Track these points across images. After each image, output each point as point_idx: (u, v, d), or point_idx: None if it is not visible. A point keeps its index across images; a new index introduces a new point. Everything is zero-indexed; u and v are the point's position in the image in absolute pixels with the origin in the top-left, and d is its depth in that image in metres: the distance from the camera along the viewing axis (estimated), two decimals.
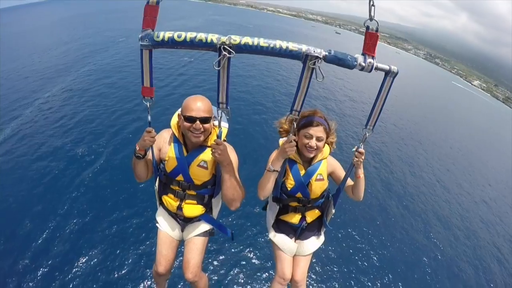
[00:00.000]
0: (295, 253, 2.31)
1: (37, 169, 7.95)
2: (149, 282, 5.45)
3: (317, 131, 1.95)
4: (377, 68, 1.50)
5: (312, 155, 2.04)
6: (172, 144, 2.07)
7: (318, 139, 1.97)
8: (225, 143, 1.92)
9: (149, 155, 2.06)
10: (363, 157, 1.85)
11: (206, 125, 1.91)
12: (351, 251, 7.27)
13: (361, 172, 1.94)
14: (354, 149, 1.87)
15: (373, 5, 1.39)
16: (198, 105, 1.88)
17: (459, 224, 10.18)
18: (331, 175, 2.20)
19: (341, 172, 2.17)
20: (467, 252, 8.79)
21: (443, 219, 10.24)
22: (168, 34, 1.44)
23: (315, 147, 1.97)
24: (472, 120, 39.25)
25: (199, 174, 2.06)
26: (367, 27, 1.44)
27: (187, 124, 1.88)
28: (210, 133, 2.05)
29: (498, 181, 17.01)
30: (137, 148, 1.94)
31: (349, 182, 2.11)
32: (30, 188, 7.23)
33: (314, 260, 6.38)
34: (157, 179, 2.20)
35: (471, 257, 8.63)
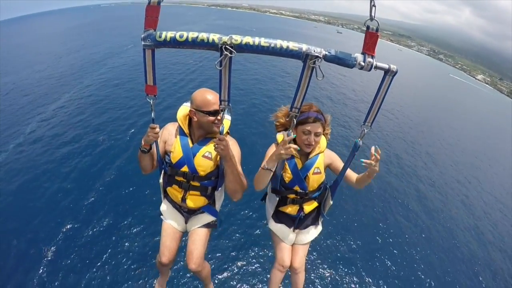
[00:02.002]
0: (294, 241, 2.40)
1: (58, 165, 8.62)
2: (153, 271, 5.69)
3: (315, 127, 2.01)
4: (376, 67, 1.51)
5: (310, 150, 2.11)
6: (178, 136, 2.15)
7: (316, 134, 2.03)
8: (228, 136, 1.99)
9: (155, 148, 2.13)
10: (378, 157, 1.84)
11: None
12: (348, 238, 7.56)
13: (373, 176, 1.96)
14: (372, 151, 1.83)
15: (374, 5, 1.40)
16: (214, 97, 2.00)
17: (462, 216, 10.33)
18: (329, 167, 2.26)
19: (339, 163, 2.22)
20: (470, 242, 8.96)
21: (445, 206, 10.55)
22: (170, 34, 1.46)
23: (313, 143, 2.04)
24: (468, 109, 39.89)
25: (204, 165, 2.12)
26: (368, 27, 1.45)
27: (211, 118, 2.01)
28: None
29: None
30: (142, 143, 2.02)
31: (349, 173, 2.15)
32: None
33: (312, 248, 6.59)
34: (162, 172, 2.26)
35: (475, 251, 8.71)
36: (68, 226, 6.50)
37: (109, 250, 6.11)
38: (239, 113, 12.80)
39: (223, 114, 1.79)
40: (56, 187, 7.67)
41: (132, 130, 10.61)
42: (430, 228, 9.03)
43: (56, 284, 5.41)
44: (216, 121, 2.02)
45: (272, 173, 1.96)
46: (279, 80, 20.58)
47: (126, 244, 6.29)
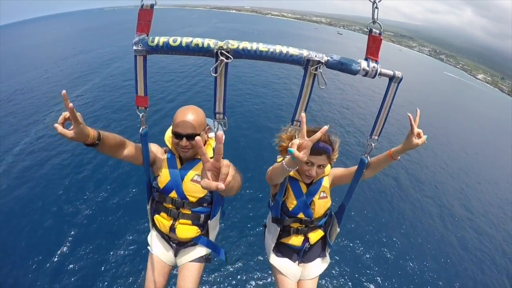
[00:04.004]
0: (300, 277, 2.12)
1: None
2: None
3: (320, 159, 1.80)
4: (381, 74, 1.42)
5: (309, 182, 1.93)
6: (165, 157, 1.95)
7: (320, 166, 1.83)
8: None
9: (138, 150, 1.83)
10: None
11: (194, 142, 1.79)
12: (359, 270, 6.99)
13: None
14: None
15: (376, 7, 1.32)
16: (186, 120, 1.76)
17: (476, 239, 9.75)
18: (334, 183, 2.05)
19: (341, 171, 2.01)
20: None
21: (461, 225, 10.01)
22: (163, 39, 1.37)
23: (314, 175, 1.85)
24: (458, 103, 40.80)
25: (193, 190, 1.91)
26: (370, 30, 1.37)
27: (175, 140, 1.81)
28: (205, 144, 1.91)
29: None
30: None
31: (352, 170, 1.91)
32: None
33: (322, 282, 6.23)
34: (150, 198, 2.08)
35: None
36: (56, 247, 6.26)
37: (90, 281, 5.74)
38: (243, 115, 12.93)
39: (215, 132, 1.52)
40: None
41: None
42: (452, 249, 8.62)
43: None
44: (179, 145, 1.80)
45: (288, 173, 1.64)
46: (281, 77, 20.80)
47: (109, 274, 5.88)
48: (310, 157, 1.75)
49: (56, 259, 6.00)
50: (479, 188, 13.56)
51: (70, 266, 5.92)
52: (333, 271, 6.64)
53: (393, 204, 9.74)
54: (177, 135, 1.78)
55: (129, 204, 7.42)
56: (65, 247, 6.30)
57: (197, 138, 0.93)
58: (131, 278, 5.80)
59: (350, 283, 6.53)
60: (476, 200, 12.13)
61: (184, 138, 1.77)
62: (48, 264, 5.85)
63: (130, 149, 1.79)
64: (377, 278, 6.89)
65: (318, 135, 1.27)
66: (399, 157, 1.71)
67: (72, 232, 6.64)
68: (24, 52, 32.06)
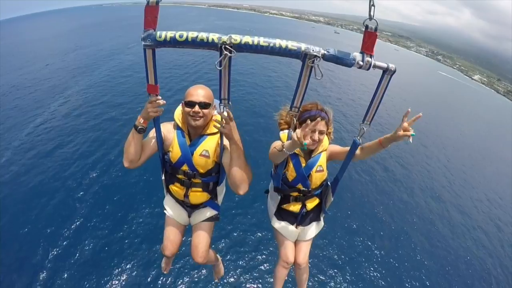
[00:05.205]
0: (297, 238, 2.45)
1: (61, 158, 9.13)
2: (151, 255, 6.04)
3: (320, 125, 2.02)
4: (375, 66, 1.52)
5: (314, 148, 2.13)
6: (175, 134, 2.11)
7: (321, 132, 2.05)
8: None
9: (149, 144, 2.05)
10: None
11: (205, 111, 1.99)
12: (349, 233, 7.86)
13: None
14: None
15: (373, 5, 1.41)
16: (199, 91, 1.98)
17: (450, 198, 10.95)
18: (331, 158, 2.25)
19: (338, 149, 2.22)
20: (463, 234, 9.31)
21: (441, 197, 11.06)
22: (170, 34, 1.47)
23: (317, 140, 2.06)
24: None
25: (203, 163, 2.12)
26: (366, 27, 1.46)
27: (187, 109, 1.97)
28: (209, 121, 2.11)
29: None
30: (140, 120, 1.86)
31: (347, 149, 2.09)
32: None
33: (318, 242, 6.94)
34: (163, 170, 2.28)
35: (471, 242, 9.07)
36: (82, 211, 7.02)
37: (116, 234, 6.52)
38: (241, 109, 13.42)
39: (221, 114, 1.74)
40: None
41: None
42: (429, 216, 9.49)
43: (71, 262, 5.90)
44: (192, 113, 1.96)
45: (287, 156, 1.89)
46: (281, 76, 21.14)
47: (133, 227, 6.67)
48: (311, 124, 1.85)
49: (73, 227, 6.66)
50: (465, 177, 14.13)
51: (87, 235, 6.55)
52: (327, 234, 7.46)
53: (382, 188, 10.43)
54: (190, 104, 1.96)
55: (143, 175, 8.15)
56: (80, 216, 6.99)
57: None
58: (148, 239, 6.54)
59: (341, 246, 7.36)
60: (463, 189, 12.66)
61: (197, 106, 1.95)
62: (65, 232, 6.53)
63: (145, 151, 2.04)
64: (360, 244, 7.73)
65: (313, 123, 1.57)
66: (388, 146, 1.86)
67: (83, 207, 7.24)
68: (25, 46, 32.46)
